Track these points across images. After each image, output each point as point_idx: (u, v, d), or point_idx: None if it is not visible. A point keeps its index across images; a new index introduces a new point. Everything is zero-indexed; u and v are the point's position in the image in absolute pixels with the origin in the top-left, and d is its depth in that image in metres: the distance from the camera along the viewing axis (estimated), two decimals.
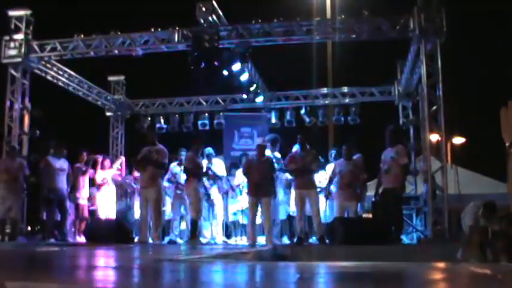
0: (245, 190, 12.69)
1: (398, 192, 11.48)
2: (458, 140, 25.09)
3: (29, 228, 14.69)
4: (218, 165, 13.59)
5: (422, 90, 13.11)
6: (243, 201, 13.23)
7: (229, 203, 13.82)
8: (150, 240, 12.06)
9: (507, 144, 9.00)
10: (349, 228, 10.71)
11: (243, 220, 13.48)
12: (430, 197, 12.36)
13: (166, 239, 13.15)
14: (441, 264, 6.02)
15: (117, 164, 15.29)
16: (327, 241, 11.33)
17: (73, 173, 13.88)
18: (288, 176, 12.90)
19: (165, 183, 13.39)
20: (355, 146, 13.17)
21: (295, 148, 12.73)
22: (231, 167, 14.44)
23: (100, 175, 14.69)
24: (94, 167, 14.78)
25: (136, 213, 13.78)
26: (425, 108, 12.90)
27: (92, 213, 14.84)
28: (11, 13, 14.80)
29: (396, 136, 11.97)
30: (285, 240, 13.03)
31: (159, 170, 12.30)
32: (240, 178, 13.34)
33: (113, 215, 14.50)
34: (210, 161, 13.35)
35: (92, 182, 14.84)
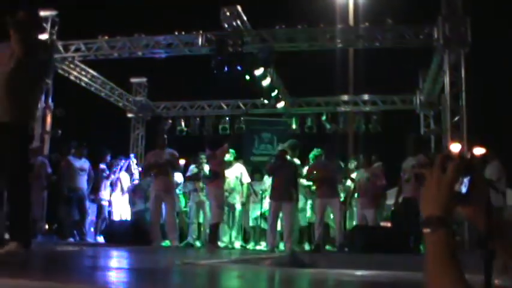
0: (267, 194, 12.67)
1: (418, 202, 11.40)
2: (478, 151, 24.84)
3: (47, 226, 14.76)
4: (240, 170, 13.52)
5: (445, 100, 13.03)
6: (264, 206, 13.23)
7: (250, 208, 13.80)
8: (168, 243, 12.06)
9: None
10: (368, 237, 10.68)
11: (263, 225, 13.45)
12: None
13: (184, 242, 13.15)
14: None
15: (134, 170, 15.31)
16: (346, 249, 11.30)
17: (97, 173, 13.98)
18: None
19: (181, 187, 13.50)
20: (376, 155, 13.17)
21: (314, 153, 12.76)
22: (254, 172, 14.41)
23: (124, 179, 14.73)
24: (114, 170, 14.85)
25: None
26: (447, 118, 12.82)
27: (110, 214, 14.91)
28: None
29: (418, 145, 11.91)
30: (306, 247, 13.00)
31: (174, 175, 12.39)
32: (268, 183, 13.25)
33: (127, 216, 14.52)
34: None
35: (110, 184, 14.90)
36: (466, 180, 1.54)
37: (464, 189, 1.54)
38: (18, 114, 5.50)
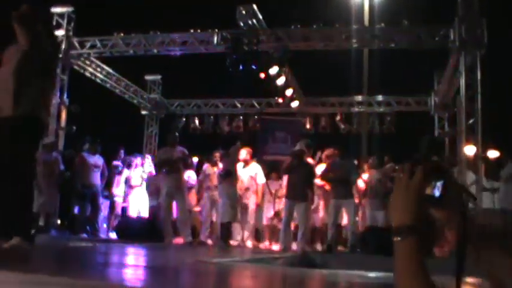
0: (282, 193, 12.66)
1: None
2: (492, 154, 24.61)
3: (59, 222, 14.86)
4: (255, 169, 13.48)
5: (460, 102, 12.96)
6: (278, 205, 13.22)
7: (265, 207, 13.76)
8: (181, 240, 12.07)
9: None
10: (381, 238, 10.63)
11: (277, 224, 13.42)
12: None
13: (196, 240, 13.15)
14: (471, 279, 5.92)
15: (147, 164, 15.31)
16: (358, 250, 11.27)
17: (110, 170, 14.05)
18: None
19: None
20: (389, 156, 13.16)
21: (326, 152, 12.72)
22: (271, 171, 14.38)
23: (135, 175, 14.79)
24: (128, 167, 14.94)
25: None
26: (462, 120, 12.74)
27: (123, 210, 14.97)
28: (54, 10, 14.95)
29: (432, 147, 11.86)
30: (318, 247, 12.97)
31: (184, 172, 12.43)
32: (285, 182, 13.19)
33: (144, 213, 14.56)
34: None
35: (126, 180, 14.98)
36: (439, 184, 1.55)
37: (437, 193, 1.56)
38: (24, 107, 5.48)
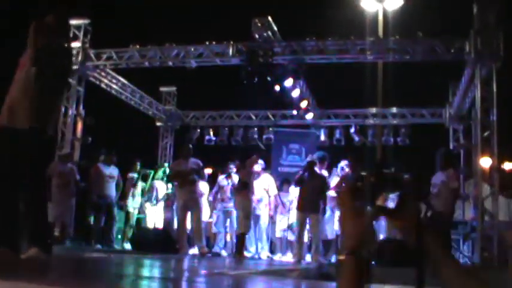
0: (294, 205, 12.65)
1: (447, 216, 11.29)
2: (508, 166, 24.48)
3: (75, 232, 14.94)
4: (267, 181, 13.50)
5: (476, 114, 12.90)
6: (291, 217, 13.20)
7: (278, 219, 13.76)
8: (196, 251, 12.08)
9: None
10: (396, 250, 10.58)
11: (290, 236, 13.42)
12: (480, 223, 12.13)
13: (211, 252, 13.16)
14: None
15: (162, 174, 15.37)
16: (373, 262, 11.20)
17: (125, 181, 14.12)
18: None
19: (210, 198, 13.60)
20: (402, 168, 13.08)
21: (342, 164, 12.70)
22: (283, 183, 14.40)
23: (160, 188, 14.87)
24: (144, 178, 15.00)
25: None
26: (478, 132, 12.69)
27: (139, 221, 15.01)
28: (70, 22, 15.02)
29: (448, 160, 11.79)
30: (332, 259, 12.93)
31: (197, 183, 12.46)
32: (293, 194, 13.23)
33: (160, 224, 14.62)
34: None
35: (142, 192, 15.05)
36: (394, 195, 1.57)
37: (391, 204, 1.60)
38: (36, 119, 5.49)
